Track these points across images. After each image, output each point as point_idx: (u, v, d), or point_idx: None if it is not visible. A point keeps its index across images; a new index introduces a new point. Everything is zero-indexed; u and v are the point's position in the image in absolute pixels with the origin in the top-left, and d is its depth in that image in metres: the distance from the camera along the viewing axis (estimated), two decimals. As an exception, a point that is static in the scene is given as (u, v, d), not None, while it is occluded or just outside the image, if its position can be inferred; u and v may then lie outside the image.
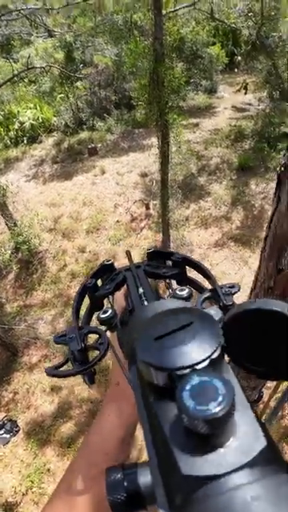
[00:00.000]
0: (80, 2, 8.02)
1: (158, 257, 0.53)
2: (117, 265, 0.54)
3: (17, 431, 4.58)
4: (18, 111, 9.83)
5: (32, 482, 4.09)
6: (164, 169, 5.47)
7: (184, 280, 0.50)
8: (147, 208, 7.26)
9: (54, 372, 0.38)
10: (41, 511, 0.40)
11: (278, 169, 1.32)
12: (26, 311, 5.98)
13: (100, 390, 4.44)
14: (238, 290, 0.40)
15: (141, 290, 0.46)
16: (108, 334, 0.42)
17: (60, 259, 6.69)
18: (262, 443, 0.20)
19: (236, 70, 11.29)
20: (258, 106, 9.09)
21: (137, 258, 0.54)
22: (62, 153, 9.36)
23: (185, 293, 0.41)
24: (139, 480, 0.26)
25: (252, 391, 1.99)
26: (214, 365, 0.24)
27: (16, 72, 8.49)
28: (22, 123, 9.69)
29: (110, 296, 0.51)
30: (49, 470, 4.19)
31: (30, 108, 10.01)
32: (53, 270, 6.55)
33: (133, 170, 8.28)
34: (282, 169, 1.29)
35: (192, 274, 0.50)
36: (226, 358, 0.27)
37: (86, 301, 0.50)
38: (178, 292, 0.42)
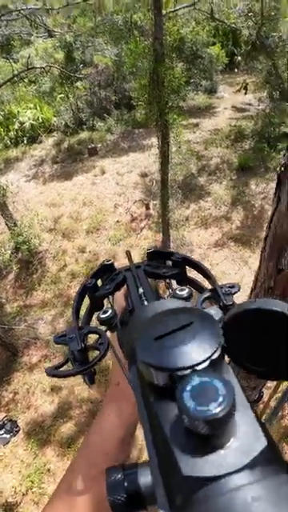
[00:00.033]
0: (80, 2, 8.03)
1: (158, 257, 0.53)
2: (117, 265, 0.54)
3: (17, 431, 4.58)
4: (18, 111, 9.84)
5: (32, 482, 4.09)
6: (164, 169, 5.47)
7: (184, 280, 0.50)
8: (147, 208, 7.26)
9: (54, 372, 0.38)
10: (41, 511, 0.40)
11: (278, 169, 1.32)
12: (26, 311, 5.99)
13: (100, 389, 4.44)
14: (238, 290, 0.40)
15: (141, 290, 0.46)
16: (108, 334, 0.42)
17: (60, 259, 6.69)
18: (262, 443, 0.20)
19: (236, 70, 11.30)
20: (258, 106, 9.09)
21: (137, 258, 0.54)
22: (61, 153, 9.36)
23: (185, 293, 0.41)
24: (139, 480, 0.26)
25: (252, 391, 1.99)
26: (215, 365, 0.24)
27: (16, 72, 8.49)
28: (21, 123, 9.69)
29: (110, 296, 0.51)
30: (49, 470, 4.19)
31: (30, 108, 10.01)
32: (53, 270, 6.56)
33: (133, 170, 8.28)
34: (282, 169, 1.29)
35: (192, 274, 0.50)
36: (226, 358, 0.27)
37: (86, 301, 0.50)
38: (177, 292, 0.42)
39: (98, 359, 0.38)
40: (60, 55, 9.19)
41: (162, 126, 5.04)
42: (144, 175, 8.04)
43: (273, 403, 2.57)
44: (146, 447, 0.25)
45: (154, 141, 6.24)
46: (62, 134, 9.88)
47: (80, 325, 0.42)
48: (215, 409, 0.19)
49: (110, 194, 7.78)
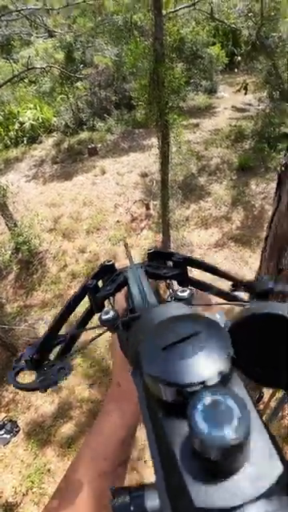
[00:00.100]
0: (80, 3, 8.02)
1: (158, 257, 0.53)
2: (117, 265, 0.54)
3: (17, 431, 4.57)
4: (18, 111, 9.84)
5: (32, 483, 4.09)
6: (164, 169, 5.47)
7: (185, 280, 0.50)
8: (147, 208, 7.26)
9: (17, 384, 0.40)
10: (41, 511, 0.40)
11: (278, 169, 1.32)
12: (26, 311, 5.98)
13: (101, 390, 4.44)
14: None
15: (141, 291, 0.46)
16: (108, 334, 0.42)
17: (60, 259, 6.69)
18: (278, 468, 0.18)
19: (236, 70, 11.31)
20: (258, 106, 9.08)
21: (137, 258, 0.54)
22: (62, 153, 9.36)
23: (186, 294, 0.41)
24: (146, 504, 0.25)
25: (252, 391, 1.98)
26: (226, 379, 0.22)
27: (16, 72, 8.49)
28: (22, 123, 9.69)
29: (111, 297, 0.51)
30: (49, 470, 4.18)
31: (30, 108, 10.01)
32: (53, 270, 6.55)
33: (133, 170, 8.28)
34: (283, 169, 1.29)
35: (192, 274, 0.50)
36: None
37: (86, 301, 0.50)
38: (179, 293, 0.41)
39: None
40: (60, 55, 9.19)
41: (162, 126, 5.04)
42: (144, 175, 8.04)
43: (273, 403, 2.57)
44: (153, 467, 0.23)
45: (154, 141, 6.24)
46: (62, 134, 9.88)
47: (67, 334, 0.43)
48: (231, 434, 0.17)
49: (110, 194, 7.78)
